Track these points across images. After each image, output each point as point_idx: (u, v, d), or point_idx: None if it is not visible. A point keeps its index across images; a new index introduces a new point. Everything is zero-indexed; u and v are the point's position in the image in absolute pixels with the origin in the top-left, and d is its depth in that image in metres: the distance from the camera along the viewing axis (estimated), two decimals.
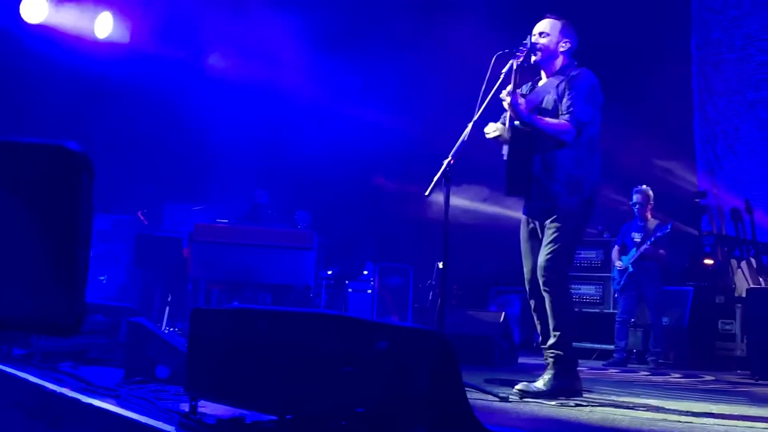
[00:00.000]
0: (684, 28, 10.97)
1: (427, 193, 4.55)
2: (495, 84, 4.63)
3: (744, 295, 8.41)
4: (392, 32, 10.21)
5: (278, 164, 10.17)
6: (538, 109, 4.79)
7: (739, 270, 9.29)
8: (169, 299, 8.67)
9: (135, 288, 9.01)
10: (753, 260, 9.33)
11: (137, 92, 9.70)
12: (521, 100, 4.73)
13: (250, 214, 9.42)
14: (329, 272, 9.51)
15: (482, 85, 4.61)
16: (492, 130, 4.86)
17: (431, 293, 9.70)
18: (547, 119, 4.71)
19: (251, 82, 10.29)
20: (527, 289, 4.87)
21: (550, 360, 4.64)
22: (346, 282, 9.90)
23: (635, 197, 8.56)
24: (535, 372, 4.71)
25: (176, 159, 10.11)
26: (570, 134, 4.66)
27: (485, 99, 4.59)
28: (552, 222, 4.70)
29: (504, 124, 4.82)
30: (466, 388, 4.00)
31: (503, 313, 7.47)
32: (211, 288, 8.63)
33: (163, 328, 8.39)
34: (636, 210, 8.57)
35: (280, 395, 2.75)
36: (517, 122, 4.73)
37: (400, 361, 2.76)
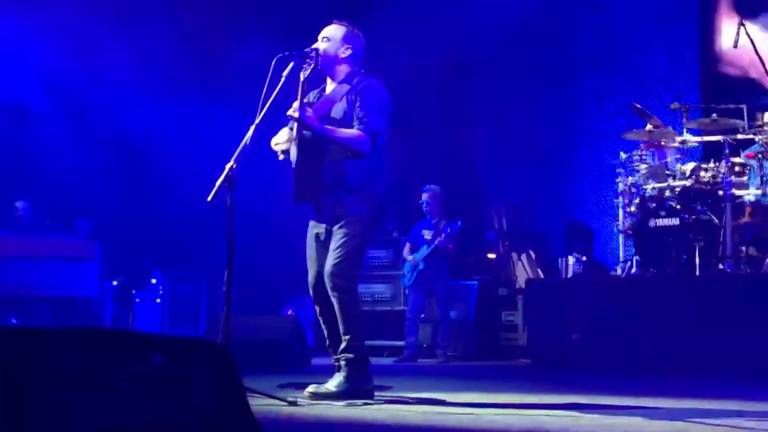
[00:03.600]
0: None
1: (209, 198, 4.43)
2: (276, 86, 4.59)
3: (524, 286, 8.86)
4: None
5: (47, 168, 9.60)
6: (327, 119, 4.78)
7: (520, 262, 9.79)
8: None
9: None
10: (532, 253, 9.86)
11: None
12: (310, 112, 4.69)
13: (14, 227, 8.83)
14: (114, 282, 9.13)
15: (263, 88, 4.56)
16: (281, 140, 4.81)
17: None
18: (342, 130, 4.69)
19: None
20: (312, 293, 4.85)
21: (342, 363, 4.64)
22: (133, 292, 9.53)
23: (424, 196, 8.80)
24: (328, 374, 4.70)
25: None
26: (365, 144, 4.67)
27: (266, 102, 4.53)
28: (340, 227, 4.70)
29: (291, 129, 4.78)
30: (255, 395, 3.95)
31: (294, 316, 7.46)
32: None
33: None
34: (426, 208, 8.80)
35: (53, 418, 2.58)
36: (306, 133, 4.69)
37: (178, 374, 2.67)
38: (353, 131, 4.68)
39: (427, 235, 8.72)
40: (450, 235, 8.51)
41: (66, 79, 9.88)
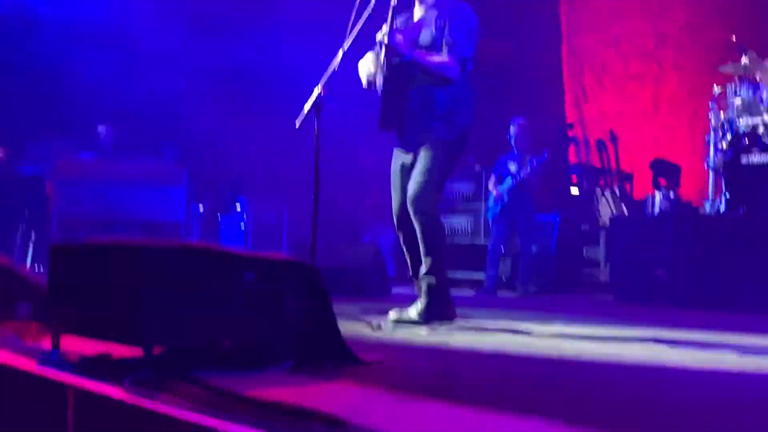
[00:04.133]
0: None
1: (297, 125, 4.45)
2: (364, 11, 4.54)
3: (608, 223, 8.74)
4: None
5: (137, 96, 9.74)
6: (416, 44, 4.72)
7: (603, 199, 9.64)
8: (32, 239, 8.34)
9: None
10: (616, 189, 9.70)
11: None
12: (399, 37, 4.65)
13: (96, 151, 9.02)
14: (200, 207, 9.29)
15: (351, 12, 4.52)
16: (367, 63, 4.79)
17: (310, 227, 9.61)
18: (431, 56, 4.66)
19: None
20: (396, 221, 4.87)
21: (423, 287, 4.67)
22: (219, 217, 9.70)
23: (512, 128, 8.67)
24: (409, 302, 4.74)
25: (33, 92, 9.59)
26: (454, 71, 4.63)
27: (354, 26, 4.50)
28: (424, 153, 4.69)
29: (378, 55, 4.75)
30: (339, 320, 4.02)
31: (375, 244, 7.52)
32: (77, 226, 8.32)
33: (28, 266, 8.07)
34: (513, 142, 8.68)
35: (146, 329, 2.66)
36: (393, 59, 4.65)
37: (268, 291, 2.72)
38: (442, 57, 4.63)
39: (513, 167, 8.60)
40: (536, 167, 8.40)
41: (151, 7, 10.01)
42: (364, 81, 4.91)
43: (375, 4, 4.55)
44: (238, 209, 9.71)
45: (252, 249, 9.62)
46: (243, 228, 9.62)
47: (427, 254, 4.65)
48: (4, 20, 9.40)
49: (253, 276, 2.72)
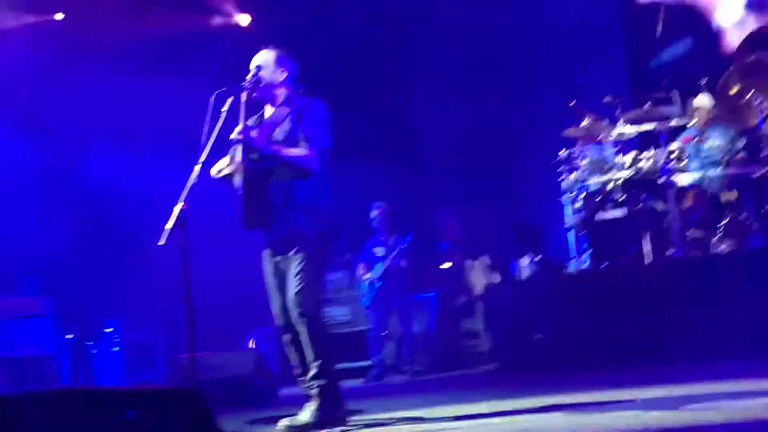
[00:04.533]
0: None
1: (162, 242, 4.36)
2: (218, 122, 4.56)
3: (481, 293, 8.91)
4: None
5: None
6: (271, 141, 4.76)
7: (475, 269, 9.83)
8: None
9: None
10: (486, 258, 9.90)
11: None
12: (254, 133, 4.68)
13: None
14: (69, 336, 8.92)
15: (204, 125, 4.52)
16: (222, 166, 4.79)
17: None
18: (289, 149, 4.69)
19: None
20: (279, 324, 4.81)
21: (314, 391, 4.60)
22: (89, 344, 9.32)
23: (373, 213, 8.79)
24: (297, 405, 4.65)
25: None
26: (314, 162, 4.67)
27: (209, 139, 4.50)
28: (296, 252, 4.67)
29: (233, 157, 4.75)
30: None
31: (255, 349, 7.40)
32: None
33: None
34: (376, 225, 8.79)
35: None
36: (251, 155, 4.66)
37: (152, 426, 2.62)
38: (301, 149, 4.68)
39: (380, 252, 8.71)
40: (402, 250, 8.53)
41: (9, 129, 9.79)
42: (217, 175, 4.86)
43: (227, 112, 4.58)
44: (109, 332, 9.37)
45: (127, 371, 9.27)
46: (116, 350, 9.28)
47: (316, 357, 4.59)
48: None
49: (135, 412, 2.61)
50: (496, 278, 9.29)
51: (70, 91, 9.73)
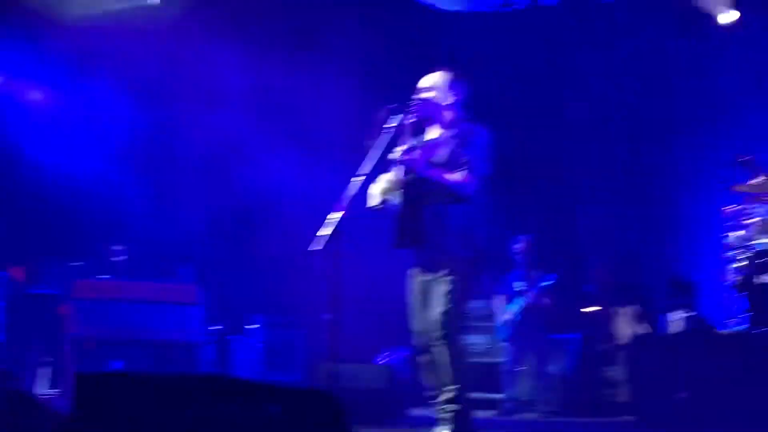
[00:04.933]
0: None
1: (318, 248, 4.46)
2: (384, 137, 4.63)
3: (626, 341, 8.62)
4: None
5: (152, 214, 9.88)
6: (431, 163, 4.79)
7: (622, 316, 9.53)
8: (45, 360, 8.28)
9: (11, 350, 8.53)
10: (635, 307, 9.59)
11: None
12: (417, 153, 4.73)
13: (110, 272, 9.06)
14: (216, 327, 9.24)
15: (370, 138, 4.60)
16: (383, 185, 4.83)
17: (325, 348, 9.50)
18: (448, 174, 4.71)
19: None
20: (419, 344, 4.82)
21: (447, 415, 4.57)
22: (233, 337, 9.63)
23: (518, 247, 8.71)
24: (424, 425, 4.64)
25: (50, 212, 9.73)
26: (470, 188, 4.68)
27: (375, 152, 4.57)
28: (445, 274, 4.68)
29: (395, 175, 4.80)
30: None
31: (389, 365, 7.44)
32: (91, 347, 8.26)
33: (39, 390, 7.98)
34: (519, 259, 8.70)
35: None
36: (409, 176, 4.72)
37: (293, 425, 2.67)
38: (459, 175, 4.68)
39: (521, 286, 8.60)
40: (544, 288, 8.39)
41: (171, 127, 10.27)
42: (376, 201, 4.92)
43: (395, 131, 4.65)
44: (252, 328, 9.65)
45: (266, 369, 9.50)
46: (257, 347, 9.53)
47: (453, 381, 4.57)
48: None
49: (278, 408, 2.68)
50: (645, 329, 8.98)
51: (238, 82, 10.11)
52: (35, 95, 10.18)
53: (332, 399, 2.78)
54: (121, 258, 9.28)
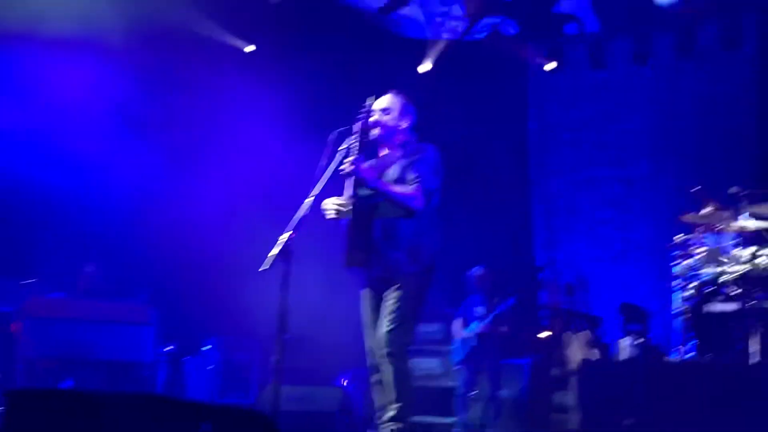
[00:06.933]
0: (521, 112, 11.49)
1: (265, 268, 4.47)
2: (334, 159, 4.68)
3: (577, 367, 8.69)
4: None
5: (105, 235, 9.83)
6: (379, 178, 4.84)
7: (574, 343, 9.62)
8: None
9: None
10: (587, 333, 9.69)
11: None
12: (366, 164, 4.79)
13: (78, 289, 9.00)
14: (169, 348, 9.19)
15: (321, 159, 4.65)
16: (335, 204, 4.83)
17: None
18: (396, 186, 4.76)
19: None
20: (371, 362, 4.84)
21: None
22: (186, 359, 9.58)
23: (477, 270, 8.78)
24: None
25: (1, 228, 9.63)
26: (418, 201, 4.72)
27: (324, 174, 4.61)
28: (392, 292, 4.71)
29: (346, 189, 4.83)
30: None
31: (343, 387, 7.44)
32: (42, 366, 8.18)
33: None
34: (477, 284, 8.77)
35: None
36: (360, 191, 4.75)
37: None
38: (407, 188, 4.74)
39: (479, 311, 8.67)
40: (502, 313, 8.46)
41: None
42: (332, 214, 4.92)
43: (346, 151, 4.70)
44: (206, 349, 9.61)
45: (219, 391, 9.45)
46: (210, 369, 9.48)
47: (396, 399, 4.59)
48: None
49: (210, 427, 2.69)
50: (595, 355, 9.07)
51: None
52: None
53: (265, 419, 2.80)
54: (88, 275, 9.21)
